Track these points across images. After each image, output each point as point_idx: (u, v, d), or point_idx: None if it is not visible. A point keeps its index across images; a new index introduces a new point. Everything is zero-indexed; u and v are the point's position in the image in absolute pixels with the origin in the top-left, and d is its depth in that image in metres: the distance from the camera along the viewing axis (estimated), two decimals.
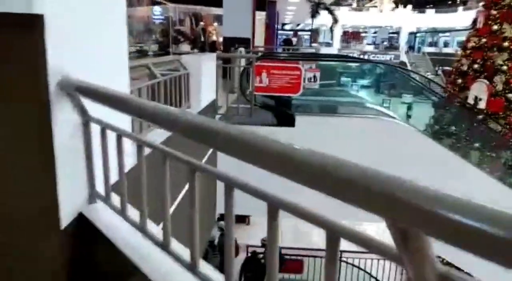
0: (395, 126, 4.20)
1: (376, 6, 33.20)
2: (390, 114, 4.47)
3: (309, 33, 37.94)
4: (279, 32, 46.68)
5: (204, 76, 3.57)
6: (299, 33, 48.53)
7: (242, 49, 6.19)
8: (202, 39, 12.81)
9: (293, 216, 0.71)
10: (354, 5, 46.00)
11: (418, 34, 50.32)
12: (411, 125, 4.54)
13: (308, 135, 4.07)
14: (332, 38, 43.81)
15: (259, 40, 13.65)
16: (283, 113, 4.32)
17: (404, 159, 4.23)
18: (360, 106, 5.07)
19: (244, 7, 8.21)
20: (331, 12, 13.00)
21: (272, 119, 4.28)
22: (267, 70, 4.21)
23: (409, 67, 35.71)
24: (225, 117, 4.17)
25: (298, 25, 44.29)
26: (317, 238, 7.43)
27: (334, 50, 37.65)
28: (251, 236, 7.73)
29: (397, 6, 34.00)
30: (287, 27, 47.69)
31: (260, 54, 6.55)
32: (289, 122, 4.10)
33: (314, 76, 4.24)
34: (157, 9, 15.59)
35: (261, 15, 16.49)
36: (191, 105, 3.53)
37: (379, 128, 4.17)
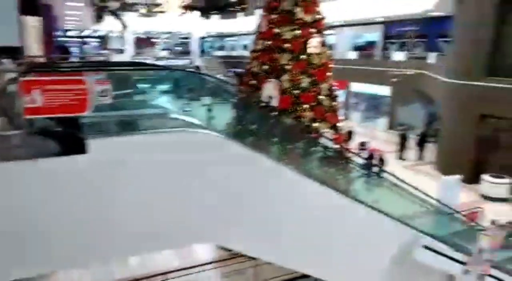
0: (201, 137, 3.92)
1: (164, 12, 33.34)
2: (195, 122, 4.14)
3: (98, 40, 35.43)
4: (64, 39, 42.18)
5: None
6: (87, 40, 44.96)
7: (5, 60, 4.93)
8: None
9: None
10: (143, 11, 45.32)
11: (207, 39, 53.43)
12: (213, 129, 4.33)
13: (105, 163, 3.41)
14: (124, 45, 42.12)
15: (37, 50, 11.67)
16: (69, 137, 3.49)
17: (213, 170, 4.03)
18: (163, 117, 4.59)
19: (4, 9, 6.65)
20: (117, 17, 12.09)
21: (55, 146, 3.40)
22: (41, 86, 3.31)
23: (204, 71, 37.48)
24: None
25: (83, 31, 40.80)
26: None
27: (127, 56, 36.23)
28: None
29: (185, 12, 35.00)
30: (71, 33, 43.43)
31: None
32: (78, 148, 3.32)
33: (105, 89, 3.55)
34: None
35: (35, 21, 14.26)
36: None
37: (186, 141, 3.82)
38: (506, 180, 13.42)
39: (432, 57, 20.50)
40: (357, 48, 30.54)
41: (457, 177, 10.87)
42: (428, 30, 23.62)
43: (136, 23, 37.54)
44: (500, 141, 13.12)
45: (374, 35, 28.92)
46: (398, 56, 23.33)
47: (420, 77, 20.38)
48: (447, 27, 19.75)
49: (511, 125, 12.83)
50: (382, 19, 25.76)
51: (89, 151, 3.33)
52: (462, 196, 11.85)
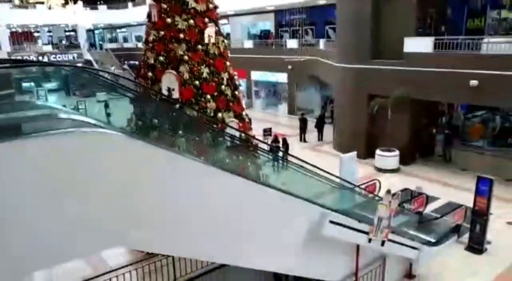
0: (97, 136, 3.60)
1: (42, 3, 30.15)
2: (90, 121, 3.79)
3: None
4: None
5: None
6: None
7: None
8: None
9: None
10: (17, 1, 40.49)
11: (96, 31, 49.95)
12: (113, 127, 4.02)
13: None
14: None
15: None
16: None
17: (114, 170, 3.75)
18: (52, 118, 4.12)
19: None
20: None
21: None
22: None
23: (95, 65, 35.00)
24: None
25: None
26: None
27: (3, 54, 32.16)
28: None
29: (67, 2, 32.09)
30: None
31: None
32: None
33: None
34: None
35: None
36: None
37: (79, 143, 3.46)
38: (395, 153, 14.98)
39: (321, 44, 21.84)
40: (252, 37, 31.22)
41: (353, 153, 11.80)
42: (316, 18, 25.06)
43: (10, 16, 33.42)
44: (387, 118, 14.54)
45: (268, 24, 29.82)
46: (292, 43, 24.39)
47: (313, 63, 21.61)
48: (331, 15, 21.18)
49: (394, 102, 14.26)
50: (273, 8, 26.61)
51: None
52: (360, 171, 12.95)
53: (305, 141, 19.42)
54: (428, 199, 10.69)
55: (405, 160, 15.16)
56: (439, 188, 12.99)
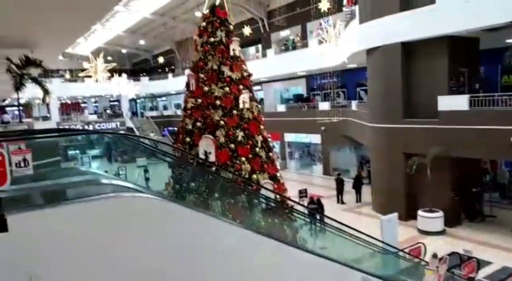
0: (136, 200, 3.70)
1: (90, 76, 32.80)
2: (129, 185, 3.93)
3: (19, 108, 33.61)
4: None
5: None
6: (8, 109, 42.45)
7: None
8: None
9: None
10: (67, 76, 44.25)
11: (138, 100, 53.11)
12: (151, 191, 4.14)
13: (28, 240, 3.04)
14: (49, 111, 40.33)
15: None
16: None
17: (151, 234, 3.79)
18: (94, 183, 4.31)
19: None
20: (39, 83, 11.58)
21: None
22: None
23: (136, 132, 36.73)
24: None
25: (4, 100, 38.59)
26: None
27: (53, 123, 34.54)
28: None
29: (112, 75, 34.73)
30: None
31: None
32: None
33: (24, 159, 3.26)
34: None
35: None
36: None
37: (120, 207, 3.57)
38: (439, 214, 14.22)
39: (353, 105, 22.09)
40: (285, 101, 32.11)
41: (394, 215, 11.34)
42: (347, 81, 25.61)
43: (61, 89, 36.34)
44: (426, 177, 14.06)
45: (299, 88, 30.73)
46: (324, 106, 24.82)
47: (346, 124, 21.73)
48: (362, 77, 21.59)
49: (432, 160, 13.86)
50: (304, 74, 27.57)
51: (10, 228, 2.97)
52: (402, 233, 12.33)
53: (342, 202, 18.92)
54: (480, 264, 9.90)
55: (449, 221, 14.35)
56: (490, 252, 12.05)
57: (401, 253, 7.56)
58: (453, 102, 13.74)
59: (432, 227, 14.17)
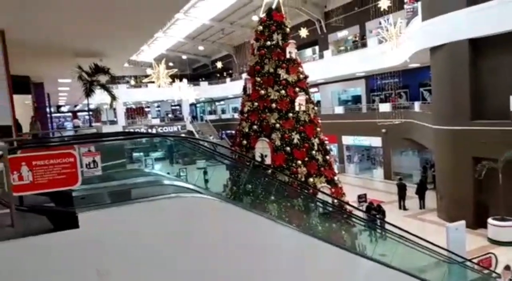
0: (196, 201, 3.81)
1: (153, 82, 34.45)
2: (190, 187, 4.06)
3: (89, 113, 36.11)
4: (56, 115, 42.91)
5: None
6: (79, 114, 45.85)
7: None
8: None
9: None
10: (132, 82, 46.78)
11: (198, 105, 54.85)
12: (209, 192, 4.25)
13: (97, 236, 3.24)
14: (115, 116, 42.92)
15: (28, 127, 11.81)
16: (60, 212, 3.36)
17: (210, 234, 3.87)
18: (157, 184, 4.50)
19: None
20: (107, 90, 12.38)
21: (46, 223, 3.26)
22: (28, 162, 3.23)
23: (196, 135, 37.95)
24: None
25: (76, 106, 41.74)
26: None
27: (119, 127, 36.72)
28: None
29: (173, 81, 36.19)
30: (64, 109, 44.34)
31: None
32: (70, 223, 3.18)
33: (94, 161, 3.48)
34: None
35: (28, 99, 14.56)
36: None
37: (181, 207, 3.69)
38: None
39: (416, 106, 21.08)
40: (342, 103, 31.46)
41: (462, 222, 10.63)
42: (410, 81, 24.52)
43: (126, 94, 38.50)
44: (498, 183, 13.04)
45: (358, 89, 29.94)
46: (384, 107, 23.96)
47: (408, 126, 20.78)
48: (426, 77, 20.54)
49: (504, 165, 12.84)
50: (363, 74, 26.81)
51: (81, 225, 3.18)
52: (470, 242, 11.53)
53: (405, 208, 18.08)
54: None
55: None
56: None
57: (469, 263, 7.06)
58: None
59: (504, 237, 13.08)
